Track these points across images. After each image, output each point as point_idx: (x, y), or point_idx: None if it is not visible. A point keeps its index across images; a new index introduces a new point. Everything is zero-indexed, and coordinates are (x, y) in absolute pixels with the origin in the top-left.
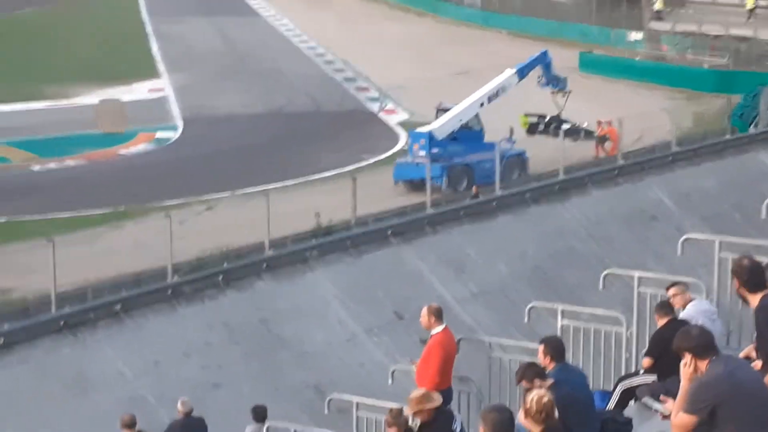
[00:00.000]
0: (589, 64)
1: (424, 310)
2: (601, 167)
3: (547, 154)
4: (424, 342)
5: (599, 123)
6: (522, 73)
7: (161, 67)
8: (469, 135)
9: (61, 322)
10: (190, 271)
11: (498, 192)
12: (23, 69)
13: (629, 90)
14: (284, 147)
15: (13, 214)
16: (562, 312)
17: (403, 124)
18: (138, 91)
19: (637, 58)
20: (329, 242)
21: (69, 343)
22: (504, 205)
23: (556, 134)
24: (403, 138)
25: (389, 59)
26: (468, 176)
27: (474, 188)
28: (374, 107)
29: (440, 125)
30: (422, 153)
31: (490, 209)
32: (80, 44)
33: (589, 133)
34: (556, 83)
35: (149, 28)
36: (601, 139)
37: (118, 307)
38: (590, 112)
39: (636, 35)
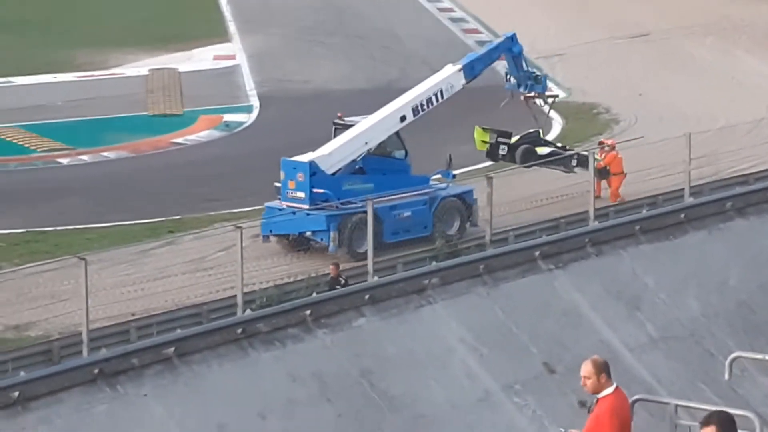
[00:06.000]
0: None
1: (589, 366)
2: None
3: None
4: (582, 405)
5: (601, 146)
6: (472, 69)
7: (231, 26)
8: (384, 165)
9: (95, 370)
10: (267, 303)
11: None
12: (49, 29)
13: None
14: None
15: (34, 224)
16: None
17: (557, 106)
18: (200, 59)
19: None
20: (454, 267)
21: (105, 398)
22: (696, 217)
23: (524, 161)
24: (557, 126)
25: (539, 17)
26: (373, 231)
27: (332, 268)
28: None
29: (329, 151)
30: (300, 194)
31: (677, 223)
32: None
33: (584, 161)
34: (531, 84)
35: None
36: (602, 173)
37: (170, 350)
38: None
39: None
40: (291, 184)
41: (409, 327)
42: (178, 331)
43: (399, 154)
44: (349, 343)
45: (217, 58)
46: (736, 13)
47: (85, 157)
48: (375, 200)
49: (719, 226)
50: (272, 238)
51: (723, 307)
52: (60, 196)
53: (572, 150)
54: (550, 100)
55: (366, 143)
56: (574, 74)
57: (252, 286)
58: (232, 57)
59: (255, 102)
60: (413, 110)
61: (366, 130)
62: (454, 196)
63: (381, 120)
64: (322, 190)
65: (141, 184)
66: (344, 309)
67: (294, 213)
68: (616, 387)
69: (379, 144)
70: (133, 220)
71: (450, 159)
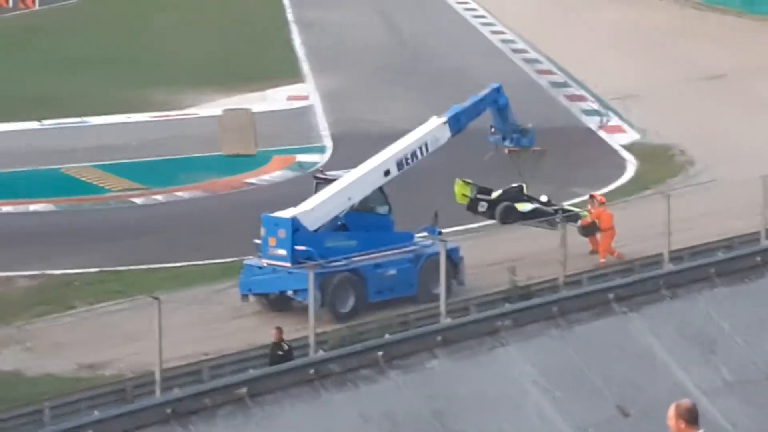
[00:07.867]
0: None
1: (671, 410)
2: None
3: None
4: None
5: (592, 199)
6: (457, 122)
7: (305, 66)
8: (366, 221)
9: (168, 410)
10: (339, 345)
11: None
12: (124, 69)
13: None
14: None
15: (108, 263)
16: None
17: (631, 148)
18: (274, 99)
19: None
20: (528, 308)
21: None
22: None
23: (504, 219)
24: (631, 167)
25: (612, 58)
26: (356, 290)
27: (275, 332)
28: (593, 123)
29: (312, 207)
30: (281, 251)
31: (753, 266)
32: (199, 37)
33: (572, 217)
34: (517, 137)
35: (290, 15)
36: (587, 229)
37: (243, 390)
38: None
39: None
40: (272, 241)
41: (481, 369)
42: (251, 371)
43: (382, 209)
44: (421, 384)
45: (290, 98)
46: None
47: (159, 197)
48: (359, 259)
49: None
50: (251, 298)
51: None
52: (134, 235)
53: (558, 205)
54: (539, 153)
55: (349, 198)
56: (649, 116)
57: (324, 327)
58: (306, 97)
59: (328, 142)
60: (398, 164)
61: (349, 185)
62: (439, 253)
63: (364, 174)
64: (304, 248)
65: (214, 223)
66: (417, 350)
67: (275, 271)
68: None
69: (362, 199)
70: (206, 259)
71: (436, 215)
